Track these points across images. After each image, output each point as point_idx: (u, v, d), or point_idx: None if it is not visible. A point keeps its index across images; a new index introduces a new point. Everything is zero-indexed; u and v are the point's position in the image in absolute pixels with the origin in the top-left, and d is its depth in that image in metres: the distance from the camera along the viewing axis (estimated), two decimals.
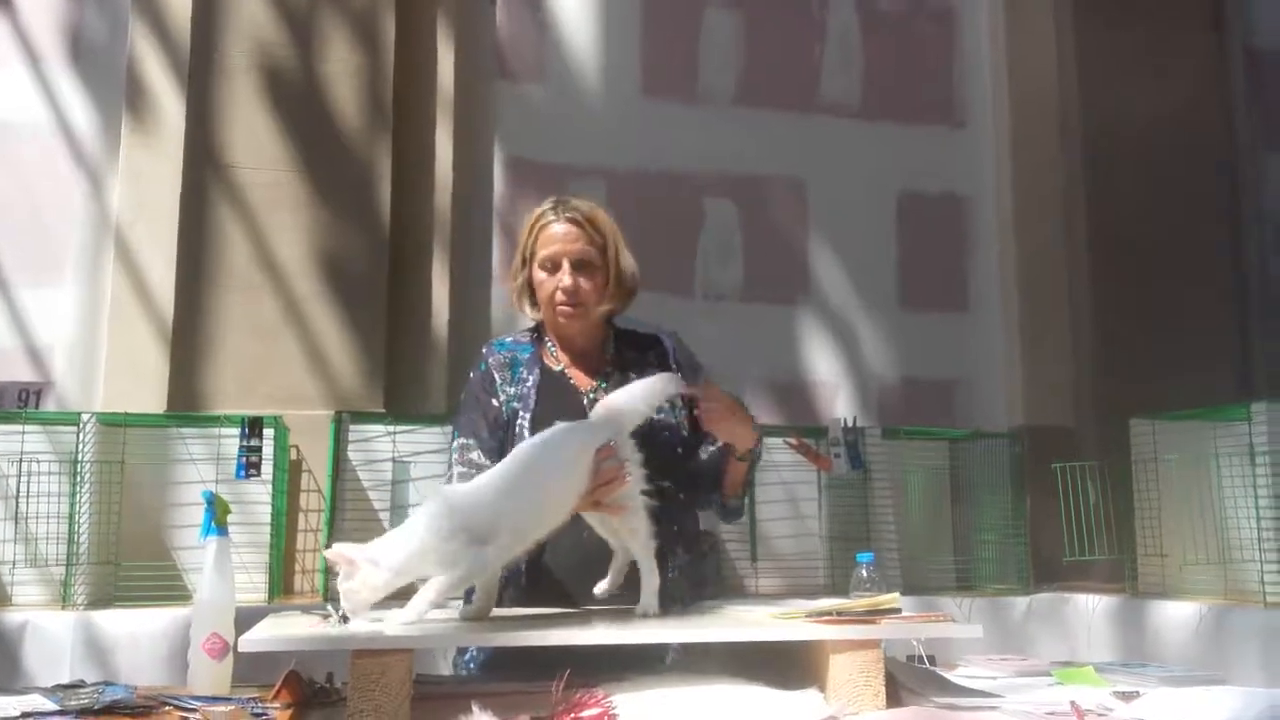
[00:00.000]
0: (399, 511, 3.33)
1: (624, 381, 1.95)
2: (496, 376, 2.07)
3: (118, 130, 3.77)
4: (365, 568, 1.53)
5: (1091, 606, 3.28)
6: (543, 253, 2.01)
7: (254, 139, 3.72)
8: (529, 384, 2.04)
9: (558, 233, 2.01)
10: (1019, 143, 4.63)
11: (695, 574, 2.03)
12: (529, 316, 2.10)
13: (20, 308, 3.68)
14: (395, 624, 1.51)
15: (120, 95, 3.78)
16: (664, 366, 2.03)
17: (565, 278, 1.99)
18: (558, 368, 2.07)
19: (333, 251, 3.71)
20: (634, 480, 1.72)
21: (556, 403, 1.99)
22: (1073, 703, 1.48)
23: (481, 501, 1.62)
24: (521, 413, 2.00)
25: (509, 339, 2.15)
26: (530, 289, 2.07)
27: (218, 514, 1.75)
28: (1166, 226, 4.37)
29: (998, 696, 1.61)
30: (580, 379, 2.06)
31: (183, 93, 3.71)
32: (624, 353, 2.08)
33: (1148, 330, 4.26)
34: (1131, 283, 4.34)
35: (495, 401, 2.04)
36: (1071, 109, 4.50)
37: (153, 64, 3.75)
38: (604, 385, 2.02)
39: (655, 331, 2.15)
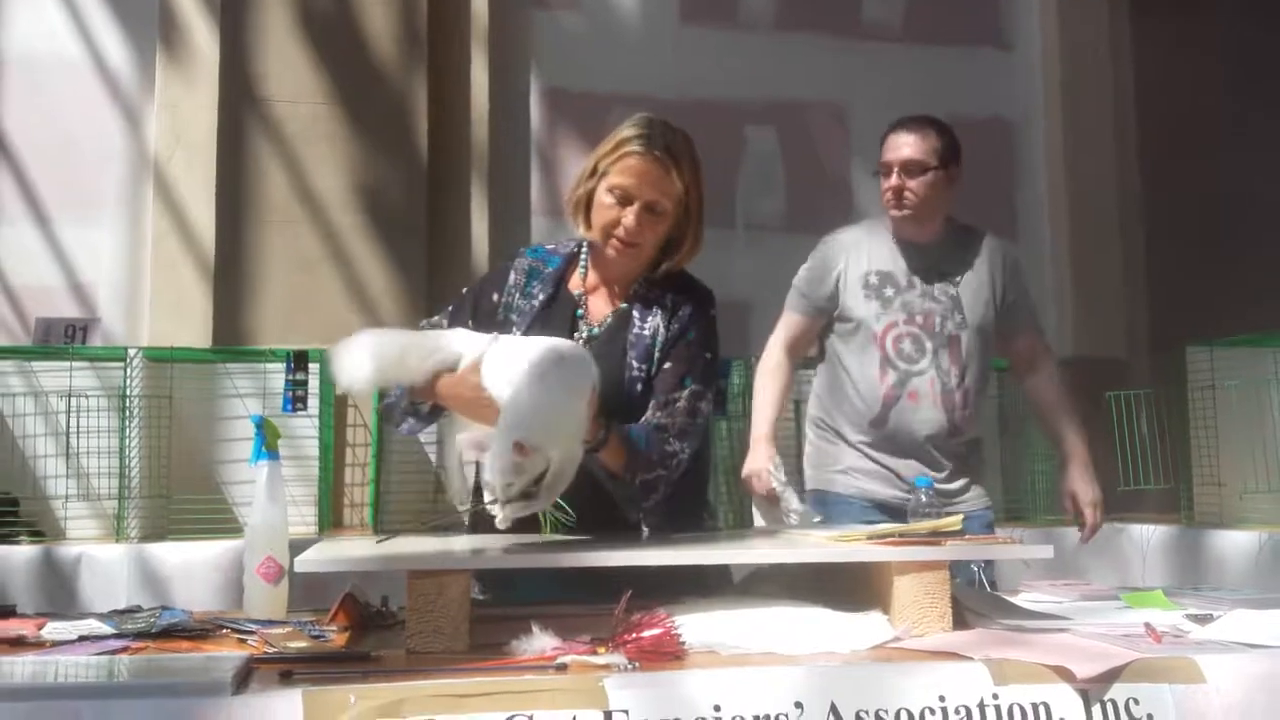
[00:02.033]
0: (446, 446, 3.32)
1: (626, 320, 1.88)
2: (513, 278, 1.95)
3: (152, 64, 3.74)
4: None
5: (1146, 536, 3.23)
6: (617, 179, 1.83)
7: (289, 71, 3.67)
8: (536, 301, 1.92)
9: (640, 167, 1.81)
10: (1069, 66, 4.48)
11: (681, 519, 1.88)
12: (579, 232, 1.94)
13: (62, 244, 3.68)
14: None
15: (154, 28, 3.74)
16: (679, 328, 1.87)
17: (631, 217, 1.83)
18: (577, 292, 1.94)
19: (371, 184, 3.67)
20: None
21: (547, 334, 1.87)
22: (1147, 624, 1.44)
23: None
24: (516, 330, 1.89)
25: (547, 247, 2.02)
26: (588, 204, 1.89)
27: (268, 438, 1.73)
28: (1220, 150, 4.24)
29: (1067, 619, 1.57)
30: (594, 309, 1.93)
31: (216, 25, 3.67)
32: (648, 290, 1.91)
33: (1201, 258, 4.16)
34: (1184, 207, 4.23)
35: (495, 296, 1.94)
36: (1122, 30, 4.36)
37: None
38: (609, 321, 1.90)
39: (694, 281, 1.95)
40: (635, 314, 1.89)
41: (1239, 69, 4.34)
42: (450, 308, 1.98)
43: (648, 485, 1.77)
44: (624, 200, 1.84)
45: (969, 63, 4.52)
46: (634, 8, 4.28)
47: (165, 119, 3.68)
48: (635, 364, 1.85)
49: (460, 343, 1.77)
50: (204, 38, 3.68)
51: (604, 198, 1.86)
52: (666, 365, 1.84)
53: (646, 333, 1.87)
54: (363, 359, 1.70)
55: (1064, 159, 4.47)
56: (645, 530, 1.79)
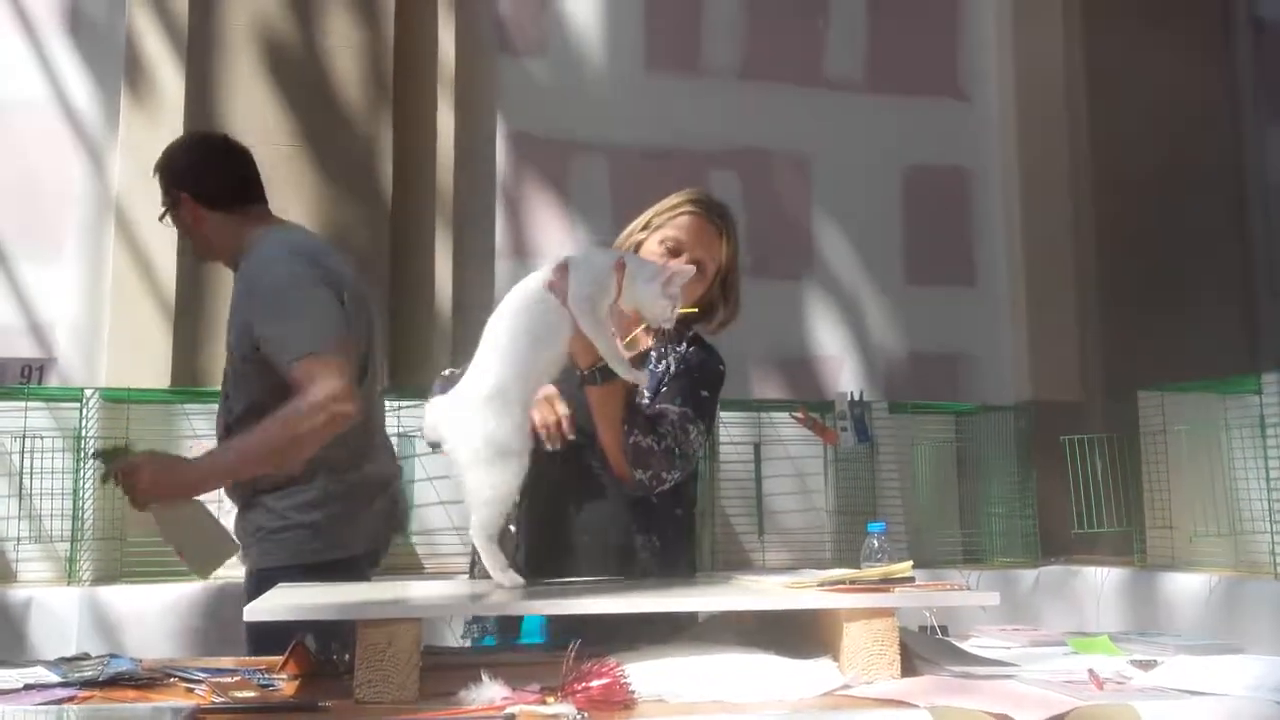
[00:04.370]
0: (404, 487, 3.31)
1: (643, 360, 1.97)
2: None
3: (117, 105, 3.74)
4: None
5: (1100, 579, 3.27)
6: (671, 232, 1.98)
7: (255, 113, 3.68)
8: None
9: (695, 225, 1.98)
10: (1024, 115, 4.59)
11: (668, 557, 1.98)
12: None
13: (22, 284, 3.66)
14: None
15: (119, 69, 3.75)
16: (684, 365, 1.99)
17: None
18: None
19: (335, 226, 3.67)
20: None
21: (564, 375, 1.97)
22: (1090, 671, 1.47)
23: None
24: None
25: None
26: (636, 252, 2.01)
27: None
28: (1172, 198, 4.34)
29: (1014, 665, 1.59)
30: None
31: (182, 66, 3.68)
32: (669, 339, 2.04)
33: (1155, 304, 4.24)
34: (1138, 255, 4.32)
35: None
36: (1077, 82, 4.46)
37: (151, 37, 3.71)
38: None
39: (711, 345, 2.12)
40: (653, 353, 2.03)
41: (1193, 119, 4.45)
42: None
43: (640, 451, 1.84)
44: (674, 252, 1.98)
45: (929, 113, 4.61)
46: (599, 54, 4.34)
47: (128, 158, 3.68)
48: (645, 394, 1.98)
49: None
50: (169, 78, 3.69)
51: (654, 248, 1.99)
52: (663, 389, 1.99)
53: (659, 370, 2.01)
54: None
55: (1021, 207, 4.56)
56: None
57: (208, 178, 2.24)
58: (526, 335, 1.68)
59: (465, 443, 1.59)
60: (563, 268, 1.70)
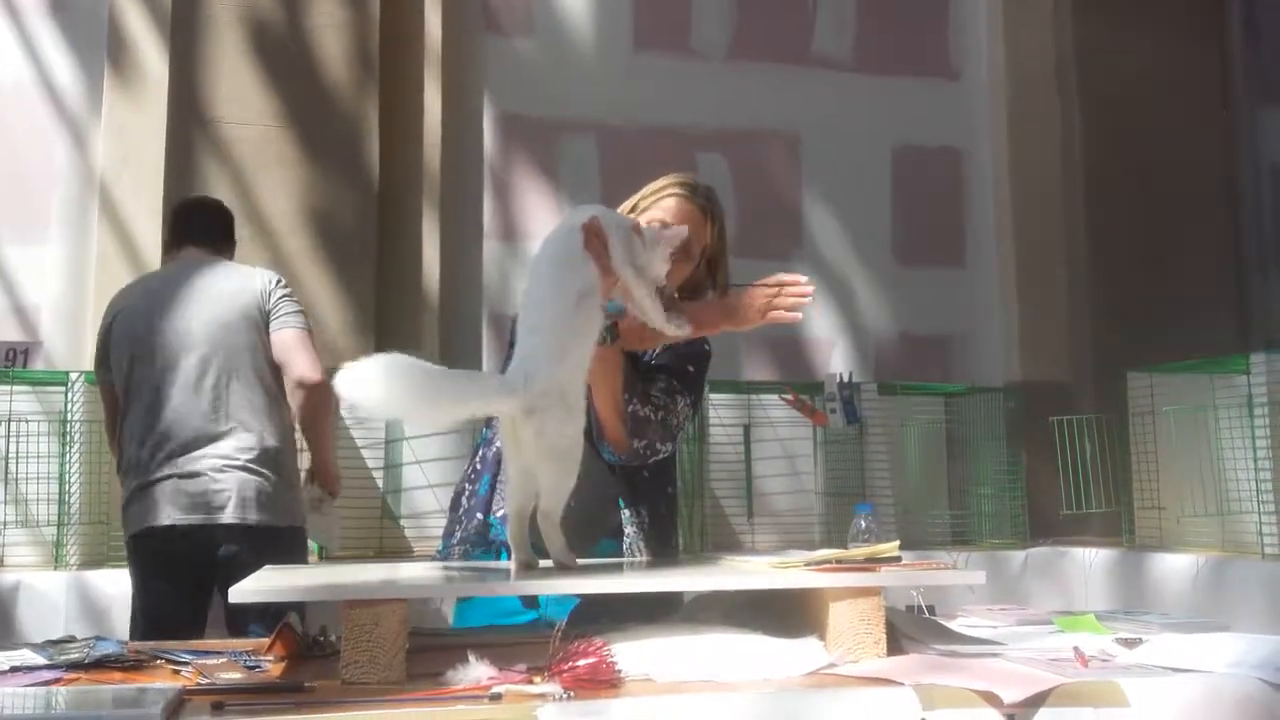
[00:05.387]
0: (393, 470, 3.31)
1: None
2: None
3: (100, 84, 3.71)
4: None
5: (1089, 559, 3.29)
6: (656, 214, 1.97)
7: (240, 93, 3.66)
8: None
9: (679, 208, 1.97)
10: (1015, 94, 4.58)
11: (655, 534, 1.98)
12: None
13: (6, 266, 3.64)
14: None
15: (102, 48, 3.71)
16: (669, 344, 1.99)
17: None
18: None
19: (321, 207, 3.66)
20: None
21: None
22: (1076, 648, 1.47)
23: None
24: None
25: None
26: None
27: None
28: (1163, 180, 4.34)
29: (1000, 644, 1.60)
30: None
31: (166, 46, 3.64)
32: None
33: (1145, 284, 4.25)
34: (1128, 236, 4.32)
35: None
36: (1068, 60, 4.46)
37: (135, 16, 3.68)
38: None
39: None
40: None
41: (1186, 96, 4.45)
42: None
43: (638, 420, 1.87)
44: None
45: (918, 92, 4.60)
46: (588, 34, 4.31)
47: (113, 140, 3.65)
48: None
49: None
50: (153, 58, 3.65)
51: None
52: (652, 363, 2.00)
53: (646, 354, 2.01)
54: (387, 385, 1.50)
55: (1011, 186, 4.56)
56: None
57: (172, 223, 2.97)
58: (575, 309, 1.62)
59: (549, 442, 1.56)
60: (593, 228, 1.68)
